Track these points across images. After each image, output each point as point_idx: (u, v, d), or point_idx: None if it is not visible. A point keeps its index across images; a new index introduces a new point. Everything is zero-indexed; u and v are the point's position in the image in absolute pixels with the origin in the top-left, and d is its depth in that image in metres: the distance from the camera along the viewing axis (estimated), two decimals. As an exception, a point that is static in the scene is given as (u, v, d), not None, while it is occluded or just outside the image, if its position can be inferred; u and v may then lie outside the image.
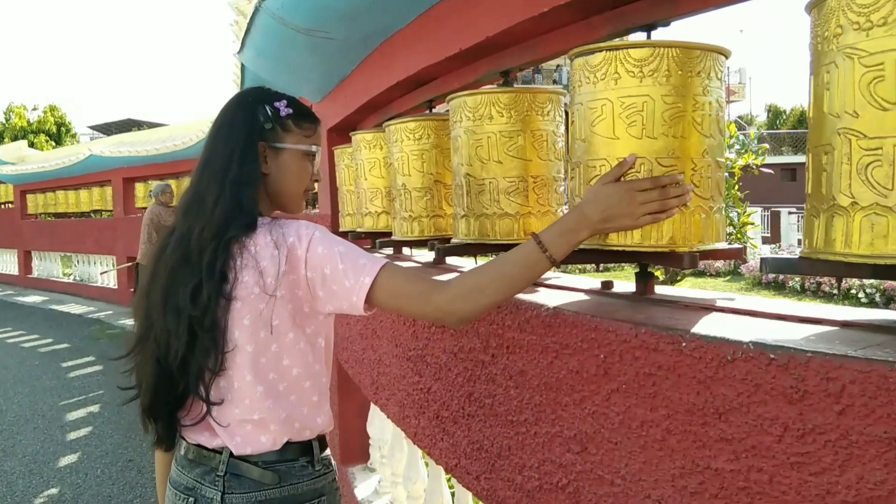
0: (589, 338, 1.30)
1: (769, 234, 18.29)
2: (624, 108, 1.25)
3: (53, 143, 33.36)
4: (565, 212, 1.57)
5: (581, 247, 1.38)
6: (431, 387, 2.01)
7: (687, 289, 1.50)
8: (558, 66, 28.72)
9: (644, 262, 1.41)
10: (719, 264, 12.77)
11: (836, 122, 0.97)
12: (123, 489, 4.25)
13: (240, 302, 1.28)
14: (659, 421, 1.16)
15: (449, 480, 2.69)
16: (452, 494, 2.56)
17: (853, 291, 10.05)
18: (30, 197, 14.27)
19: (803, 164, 1.14)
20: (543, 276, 1.78)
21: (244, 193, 1.32)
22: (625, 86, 1.26)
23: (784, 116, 44.56)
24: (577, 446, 1.35)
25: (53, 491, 4.22)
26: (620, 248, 1.34)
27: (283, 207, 1.47)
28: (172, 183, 9.21)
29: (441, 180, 2.19)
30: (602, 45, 1.31)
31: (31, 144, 23.80)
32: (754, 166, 7.12)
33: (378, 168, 2.64)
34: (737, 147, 7.25)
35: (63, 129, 36.71)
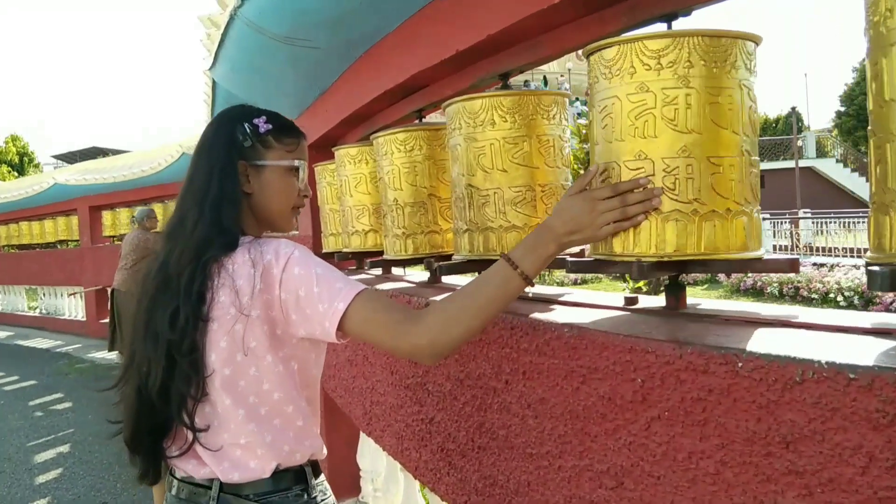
0: (623, 360, 1.17)
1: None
2: (666, 102, 1.13)
3: (16, 174, 32.63)
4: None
5: (615, 258, 1.25)
6: (434, 417, 1.86)
7: (718, 300, 1.38)
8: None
9: (679, 272, 1.28)
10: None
11: None
12: (97, 534, 4.00)
13: (216, 323, 1.24)
14: (711, 452, 1.03)
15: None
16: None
17: (831, 295, 10.10)
18: (-8, 229, 13.86)
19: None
20: (555, 294, 1.65)
21: (224, 213, 1.29)
22: (660, 78, 1.14)
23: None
24: (612, 481, 1.21)
25: (21, 540, 3.95)
26: (658, 259, 1.21)
27: (272, 226, 1.42)
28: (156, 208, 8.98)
29: (435, 194, 2.05)
30: (647, 34, 1.19)
31: (-7, 176, 23.23)
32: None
33: (364, 184, 2.50)
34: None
35: (26, 158, 35.97)
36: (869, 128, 0.98)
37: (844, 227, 18.83)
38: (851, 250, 14.86)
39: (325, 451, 1.43)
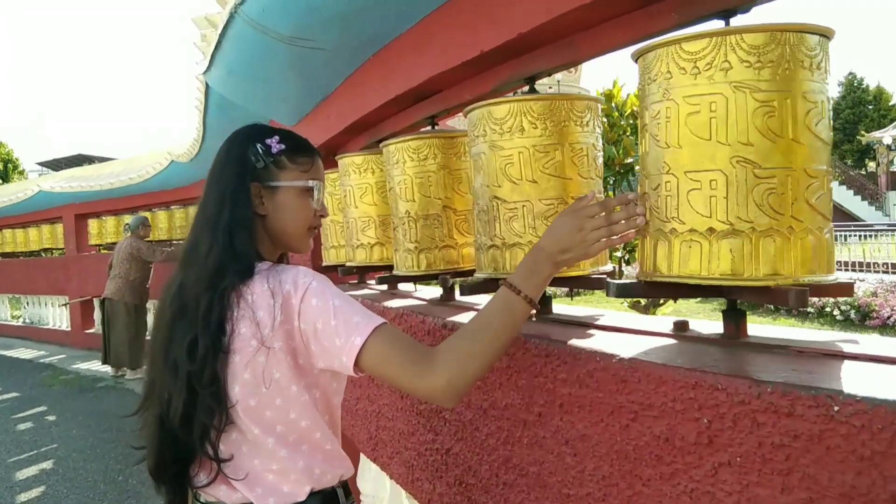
0: (685, 397, 1.03)
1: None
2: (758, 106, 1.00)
3: (0, 181, 32.21)
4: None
5: (666, 280, 1.12)
6: (452, 448, 1.71)
7: (779, 327, 1.25)
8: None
9: (735, 297, 1.15)
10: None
11: None
12: (81, 559, 3.81)
13: (237, 355, 1.21)
14: (795, 506, 0.90)
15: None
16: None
17: (828, 309, 10.03)
18: (-25, 236, 13.55)
19: None
20: (593, 317, 1.52)
21: (237, 238, 1.26)
22: (733, 79, 1.01)
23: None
24: (668, 531, 1.08)
25: (0, 565, 3.76)
26: (712, 282, 1.08)
27: (288, 247, 1.40)
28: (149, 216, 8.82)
29: (451, 206, 1.92)
30: (702, 32, 1.07)
31: (-23, 182, 22.87)
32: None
33: (370, 194, 2.36)
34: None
35: (10, 165, 35.51)
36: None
37: (836, 240, 18.79)
38: (846, 263, 14.81)
39: (352, 469, 1.39)
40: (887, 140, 31.02)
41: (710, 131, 1.08)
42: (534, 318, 1.57)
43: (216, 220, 1.27)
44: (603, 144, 1.57)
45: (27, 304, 12.67)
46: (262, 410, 1.23)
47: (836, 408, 0.84)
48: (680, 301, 11.27)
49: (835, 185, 29.68)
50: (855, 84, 41.62)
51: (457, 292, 2.10)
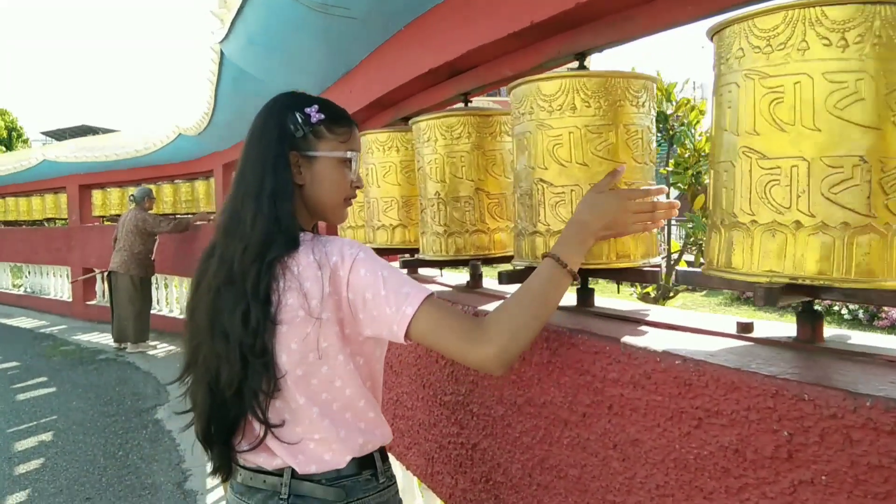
0: (762, 406, 0.94)
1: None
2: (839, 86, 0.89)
3: (4, 149, 32.03)
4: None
5: (741, 277, 1.02)
6: (479, 443, 1.62)
7: (843, 330, 1.15)
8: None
9: (821, 298, 1.05)
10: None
11: None
12: (79, 534, 3.75)
13: (285, 326, 1.22)
14: (892, 534, 0.80)
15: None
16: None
17: (836, 308, 9.95)
18: (-23, 204, 13.44)
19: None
20: (639, 312, 1.42)
21: (281, 208, 1.26)
22: (826, 57, 0.90)
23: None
24: (733, 550, 0.99)
25: (-2, 537, 3.70)
26: (817, 282, 0.98)
27: (323, 218, 1.39)
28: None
29: (483, 188, 1.81)
30: (777, 6, 0.96)
31: (-20, 149, 22.73)
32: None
33: (394, 174, 2.25)
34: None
35: (14, 133, 35.31)
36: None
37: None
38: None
39: (391, 436, 1.40)
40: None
41: (792, 115, 0.98)
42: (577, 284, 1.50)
43: (259, 188, 1.26)
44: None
45: (28, 273, 12.59)
46: (308, 379, 1.25)
47: (951, 429, 0.75)
48: (685, 294, 11.17)
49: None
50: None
51: (485, 280, 2.01)
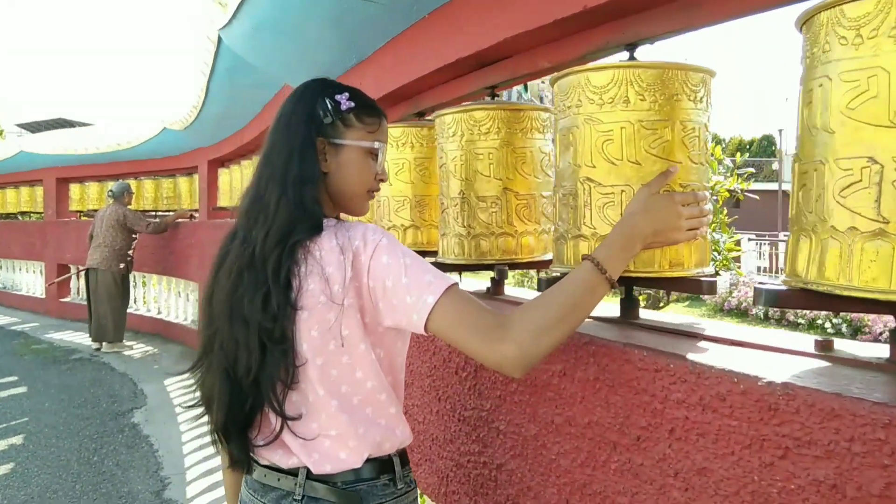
0: (870, 437, 0.83)
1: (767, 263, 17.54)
2: None
3: (-22, 140, 31.29)
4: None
5: (835, 291, 0.91)
6: (506, 464, 1.50)
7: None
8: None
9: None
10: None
11: None
12: (51, 544, 3.55)
13: (306, 312, 1.18)
14: None
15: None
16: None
17: (819, 321, 9.98)
18: (-51, 195, 13.03)
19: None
20: (694, 326, 1.31)
21: (306, 193, 1.23)
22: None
23: (724, 144, 46.01)
24: None
25: (-37, 546, 3.49)
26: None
27: (346, 208, 1.36)
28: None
29: (511, 188, 1.69)
30: None
31: (-47, 139, 22.09)
32: (739, 190, 6.89)
33: (407, 171, 2.13)
34: (721, 170, 7.01)
35: (-11, 124, 34.57)
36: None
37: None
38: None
39: (411, 436, 1.34)
40: None
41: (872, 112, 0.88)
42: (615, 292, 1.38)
43: (284, 172, 1.23)
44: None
45: (0, 267, 12.24)
46: (328, 369, 1.21)
47: None
48: (670, 303, 11.14)
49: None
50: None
51: (506, 287, 1.89)
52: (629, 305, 1.40)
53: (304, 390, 1.22)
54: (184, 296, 8.29)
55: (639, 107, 1.25)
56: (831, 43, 0.96)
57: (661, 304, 6.95)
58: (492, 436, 1.55)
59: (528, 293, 1.85)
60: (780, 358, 1.05)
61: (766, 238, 18.60)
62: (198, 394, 1.33)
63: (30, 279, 11.28)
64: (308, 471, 1.23)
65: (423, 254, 2.18)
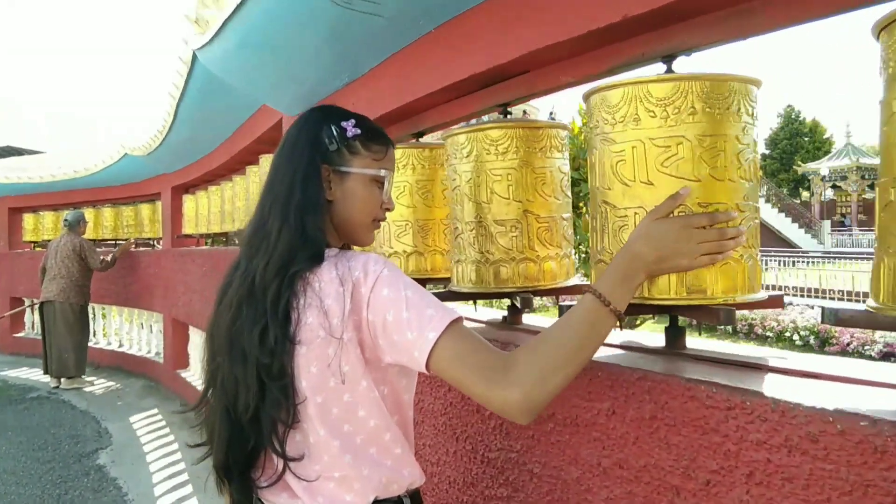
0: None
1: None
2: None
3: (-79, 169, 30.10)
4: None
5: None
6: (544, 510, 1.38)
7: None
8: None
9: None
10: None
11: None
12: None
13: (304, 346, 1.14)
14: None
15: None
16: None
17: (787, 334, 10.10)
18: None
19: None
20: (755, 357, 1.22)
21: (309, 221, 1.20)
22: None
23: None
24: None
25: None
26: None
27: (350, 238, 1.32)
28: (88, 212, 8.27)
29: (531, 210, 1.59)
30: None
31: None
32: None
33: (409, 195, 2.02)
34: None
35: (-67, 154, 33.35)
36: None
37: (783, 265, 19.27)
38: (802, 290, 15.04)
39: (423, 477, 1.28)
40: (823, 171, 32.21)
41: None
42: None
43: (287, 200, 1.21)
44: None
45: (-52, 302, 11.67)
46: (328, 408, 1.16)
47: None
48: (643, 319, 11.16)
49: (775, 212, 30.67)
50: (793, 116, 43.35)
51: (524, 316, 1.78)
52: (675, 334, 1.31)
53: (305, 430, 1.18)
54: (147, 327, 7.98)
55: (700, 119, 1.17)
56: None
57: (638, 322, 6.92)
58: (523, 479, 1.44)
59: (547, 320, 1.74)
60: (873, 392, 0.96)
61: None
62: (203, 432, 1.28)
63: (-20, 314, 10.77)
64: None
65: (427, 281, 2.06)
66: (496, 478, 1.52)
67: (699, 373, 1.12)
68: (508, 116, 1.71)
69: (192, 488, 4.32)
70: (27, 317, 9.67)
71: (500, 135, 1.58)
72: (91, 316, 8.20)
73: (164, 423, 5.92)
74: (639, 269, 1.11)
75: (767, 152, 43.01)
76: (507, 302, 1.77)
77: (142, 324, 8.12)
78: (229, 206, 5.20)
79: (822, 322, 0.99)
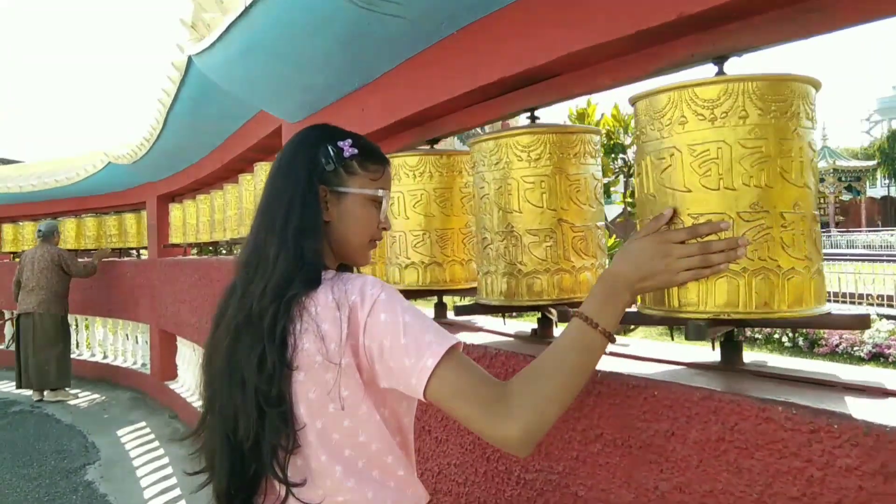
0: None
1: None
2: None
3: None
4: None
5: None
6: (592, 536, 1.31)
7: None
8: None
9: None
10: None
11: None
12: None
13: (302, 372, 1.13)
14: None
15: None
16: None
17: (776, 335, 10.13)
18: None
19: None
20: (820, 373, 1.15)
21: (306, 245, 1.19)
22: None
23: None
24: None
25: None
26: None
27: (347, 258, 1.31)
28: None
29: (566, 219, 1.52)
30: None
31: None
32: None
33: (425, 203, 1.94)
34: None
35: None
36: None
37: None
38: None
39: (427, 497, 1.26)
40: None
41: None
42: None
43: (285, 224, 1.19)
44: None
45: (-78, 315, 11.38)
46: (329, 433, 1.15)
47: None
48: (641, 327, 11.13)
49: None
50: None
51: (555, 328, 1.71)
52: (732, 349, 1.24)
53: (306, 455, 1.16)
54: (132, 338, 7.82)
55: (750, 122, 1.10)
56: None
57: (632, 328, 6.90)
58: (566, 502, 1.36)
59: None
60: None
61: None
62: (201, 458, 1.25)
63: (-43, 327, 10.50)
64: None
65: (447, 293, 1.99)
66: (534, 500, 1.44)
67: (771, 392, 1.05)
68: (536, 122, 1.64)
69: (186, 504, 4.20)
70: (7, 329, 9.45)
71: (532, 140, 1.51)
72: (73, 327, 8.03)
73: (152, 436, 5.77)
74: (622, 289, 1.12)
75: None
76: (528, 314, 1.70)
77: (127, 335, 7.95)
78: (220, 214, 5.08)
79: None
